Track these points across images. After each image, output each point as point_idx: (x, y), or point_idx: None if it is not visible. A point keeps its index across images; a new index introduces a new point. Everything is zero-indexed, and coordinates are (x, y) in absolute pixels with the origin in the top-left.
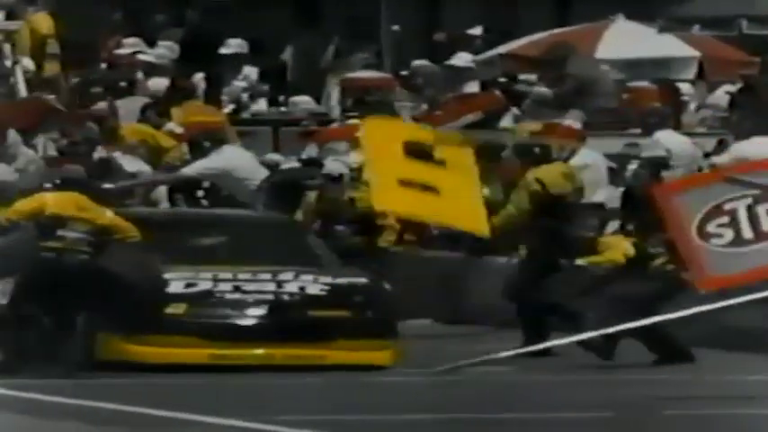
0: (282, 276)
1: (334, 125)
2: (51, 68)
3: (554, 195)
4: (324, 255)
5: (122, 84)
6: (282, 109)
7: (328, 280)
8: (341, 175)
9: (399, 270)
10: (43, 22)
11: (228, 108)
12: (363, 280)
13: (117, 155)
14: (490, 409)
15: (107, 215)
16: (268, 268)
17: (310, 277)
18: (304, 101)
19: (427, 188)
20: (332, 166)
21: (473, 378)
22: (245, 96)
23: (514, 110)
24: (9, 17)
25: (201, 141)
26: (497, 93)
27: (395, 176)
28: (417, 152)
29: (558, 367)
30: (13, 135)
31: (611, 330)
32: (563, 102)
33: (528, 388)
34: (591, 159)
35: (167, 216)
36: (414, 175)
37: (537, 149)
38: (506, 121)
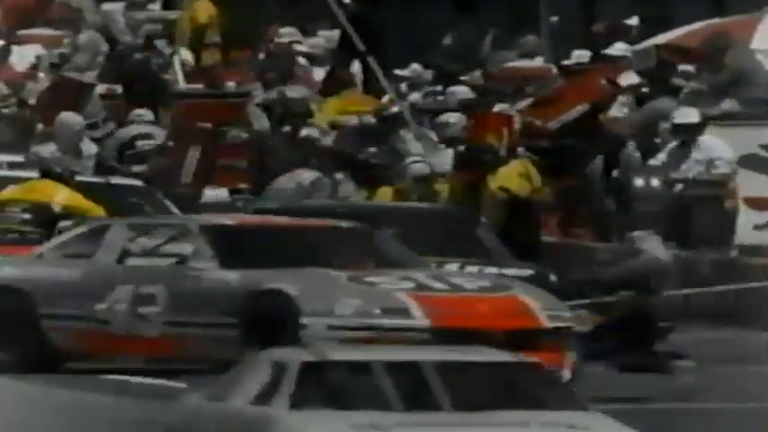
0: (446, 268)
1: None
2: (211, 58)
3: (521, 199)
4: (494, 247)
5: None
6: (440, 98)
7: (493, 271)
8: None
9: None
10: (204, 10)
11: (386, 98)
12: (529, 271)
13: None
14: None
15: (59, 198)
16: (432, 259)
17: (475, 269)
18: (461, 91)
19: None
20: (417, 167)
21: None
22: (403, 86)
23: (622, 98)
24: (167, 6)
25: None
26: (603, 82)
27: None
28: None
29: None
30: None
31: None
32: (719, 92)
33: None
34: None
35: (336, 209)
36: None
37: (487, 156)
38: (615, 111)
